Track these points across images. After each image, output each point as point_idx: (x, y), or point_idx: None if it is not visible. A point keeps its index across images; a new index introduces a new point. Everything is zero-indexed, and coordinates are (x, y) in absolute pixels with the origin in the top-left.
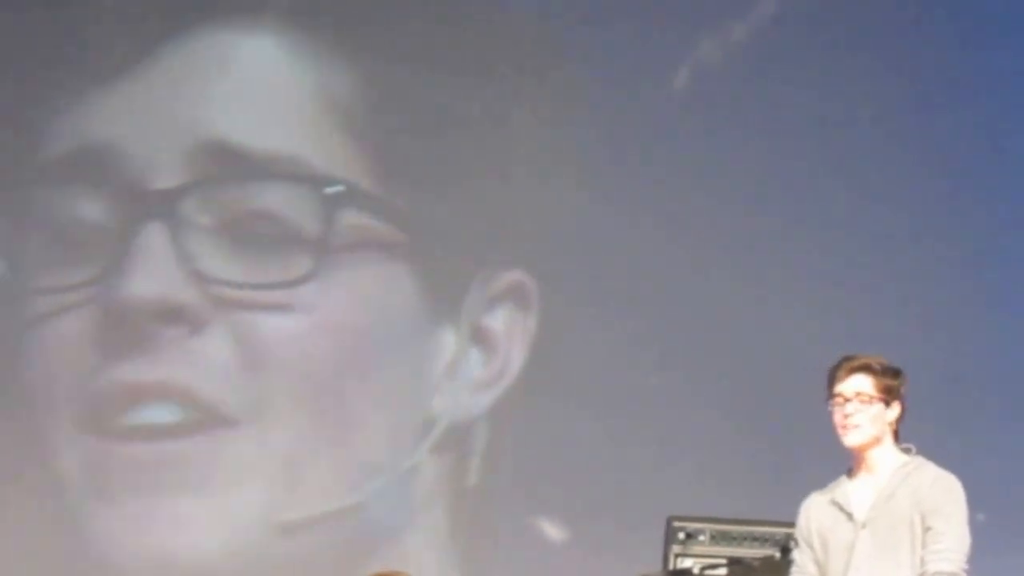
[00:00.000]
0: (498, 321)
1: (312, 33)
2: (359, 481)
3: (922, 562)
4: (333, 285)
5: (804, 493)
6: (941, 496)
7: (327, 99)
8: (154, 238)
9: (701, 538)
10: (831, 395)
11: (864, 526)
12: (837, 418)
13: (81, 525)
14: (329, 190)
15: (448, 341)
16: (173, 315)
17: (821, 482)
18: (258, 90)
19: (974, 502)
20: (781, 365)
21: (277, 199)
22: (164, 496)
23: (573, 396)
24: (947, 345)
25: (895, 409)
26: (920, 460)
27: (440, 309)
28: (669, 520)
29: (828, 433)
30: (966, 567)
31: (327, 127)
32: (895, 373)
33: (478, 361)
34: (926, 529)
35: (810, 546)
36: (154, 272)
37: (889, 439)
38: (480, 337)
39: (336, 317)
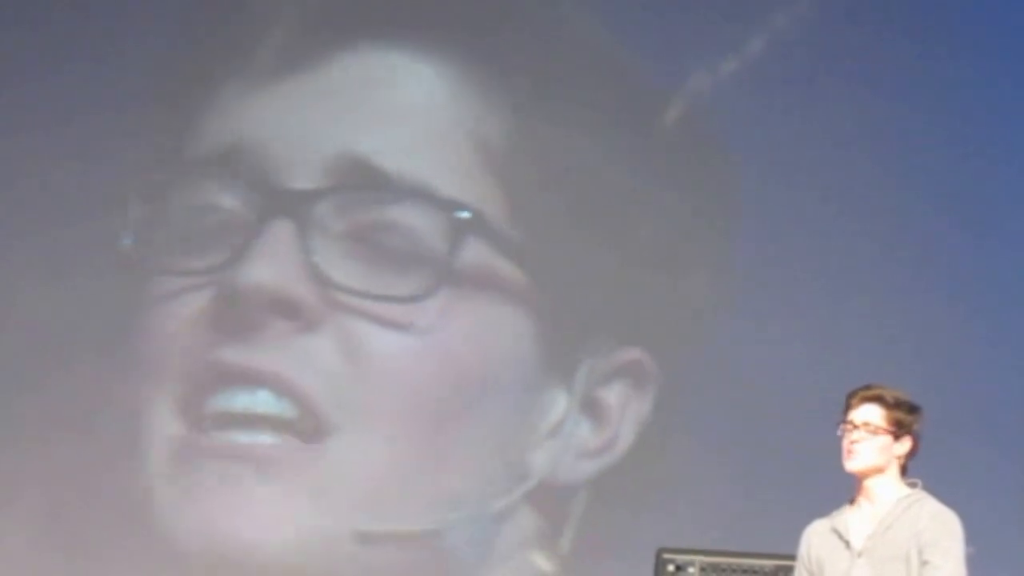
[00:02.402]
0: (613, 394)
1: (476, 72)
2: (442, 510)
3: None
4: (452, 310)
5: (794, 525)
6: (940, 530)
7: (477, 137)
8: (282, 233)
9: (691, 570)
10: (843, 421)
11: (861, 555)
12: (844, 443)
13: (160, 502)
14: (460, 214)
15: (558, 400)
16: (288, 308)
17: (811, 515)
18: (409, 114)
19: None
20: (773, 399)
21: (408, 216)
22: (248, 484)
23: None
24: (942, 377)
25: (904, 444)
26: (922, 494)
27: (554, 365)
28: (659, 552)
29: (818, 467)
30: None
31: (471, 163)
32: (910, 408)
33: (587, 429)
34: (923, 563)
35: (810, 573)
36: (276, 264)
37: (894, 472)
38: (591, 406)
39: (450, 342)
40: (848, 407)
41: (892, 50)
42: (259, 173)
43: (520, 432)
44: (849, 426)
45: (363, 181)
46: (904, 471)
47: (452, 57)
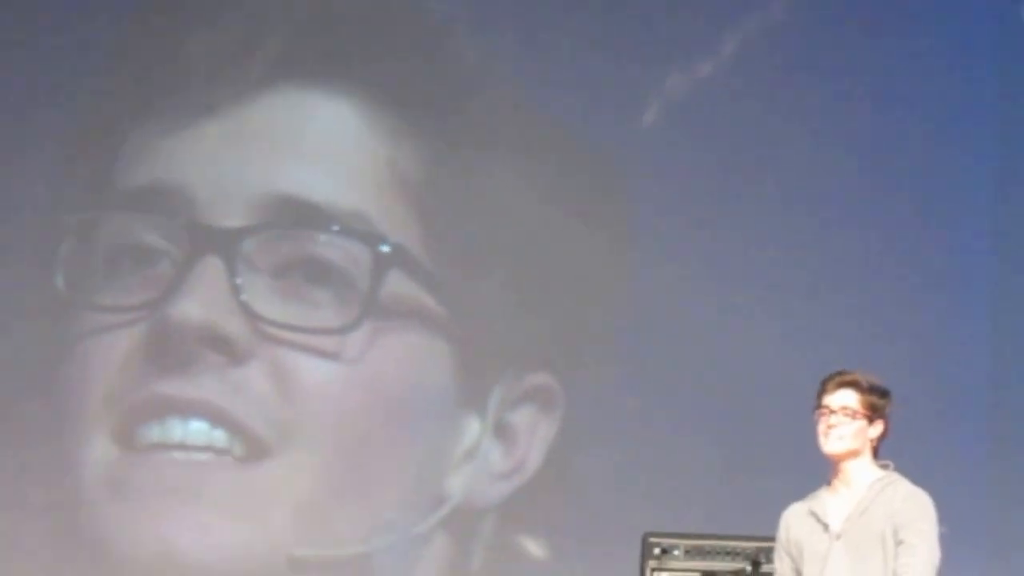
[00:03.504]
0: (521, 418)
1: (393, 107)
2: (369, 534)
3: (893, 574)
4: (376, 342)
5: (776, 509)
6: (913, 511)
7: (395, 172)
8: (211, 271)
9: (676, 553)
10: (818, 405)
11: (838, 537)
12: (821, 427)
13: (94, 528)
14: (382, 248)
15: (472, 425)
16: (220, 343)
17: (792, 498)
18: (330, 150)
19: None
20: (754, 382)
21: (332, 250)
22: (181, 509)
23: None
24: (921, 360)
25: (878, 427)
26: (895, 476)
27: (470, 391)
28: (645, 536)
29: (800, 449)
30: None
31: (391, 197)
32: (882, 393)
33: (499, 452)
34: (898, 543)
35: (789, 555)
36: (206, 301)
37: (868, 454)
38: (502, 430)
39: (376, 372)
40: (823, 392)
41: (858, 51)
42: (186, 211)
43: (439, 457)
44: (826, 410)
45: (287, 217)
46: (876, 453)
47: (369, 93)
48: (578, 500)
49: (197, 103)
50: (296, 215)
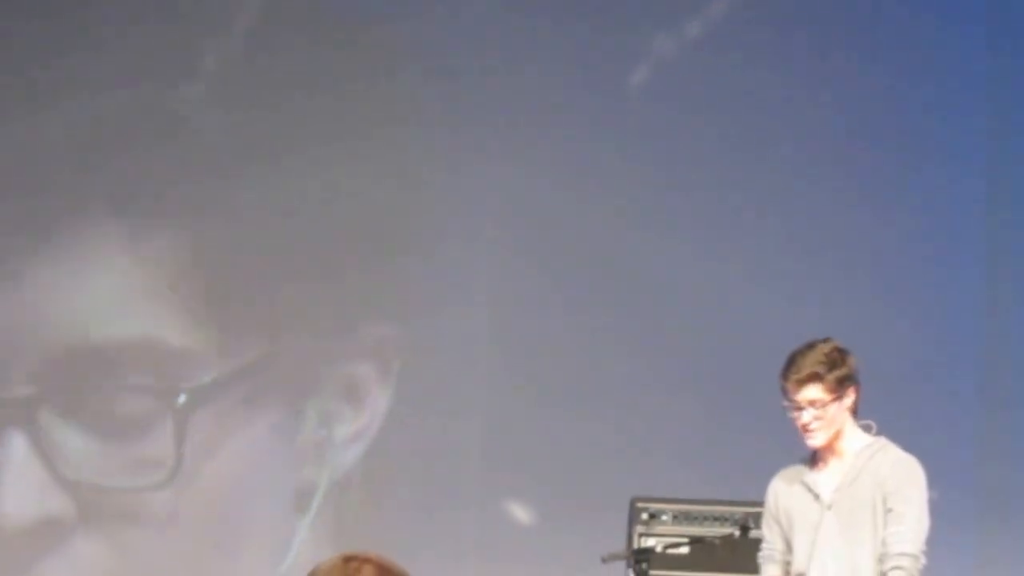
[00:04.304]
0: (365, 376)
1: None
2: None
3: (883, 543)
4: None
5: (764, 473)
6: (902, 478)
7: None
8: (17, 448)
9: (664, 518)
10: (785, 401)
11: (830, 507)
12: (797, 423)
13: None
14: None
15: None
16: (48, 526)
17: (781, 463)
18: (109, 286)
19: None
20: (742, 346)
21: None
22: None
23: (538, 384)
24: (897, 327)
25: (850, 396)
26: (883, 442)
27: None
28: (632, 501)
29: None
30: (924, 548)
31: (170, 309)
32: (841, 361)
33: (348, 415)
34: (887, 510)
35: (778, 523)
36: (21, 485)
37: (850, 423)
38: (347, 392)
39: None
40: (785, 390)
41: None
42: None
43: (295, 458)
44: (796, 408)
45: (83, 368)
46: (855, 414)
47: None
48: (564, 465)
49: None
50: (90, 362)
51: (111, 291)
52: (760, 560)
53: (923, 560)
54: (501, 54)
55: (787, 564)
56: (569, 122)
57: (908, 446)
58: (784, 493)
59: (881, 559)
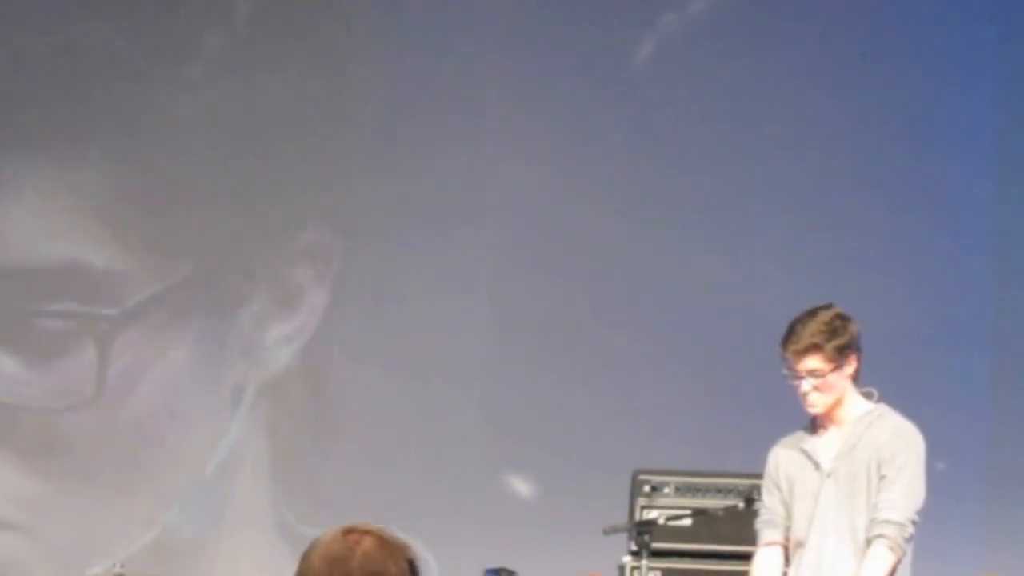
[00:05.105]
0: (299, 277)
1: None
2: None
3: (873, 508)
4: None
5: (767, 445)
6: (898, 445)
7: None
8: None
9: (666, 490)
10: (786, 370)
11: (829, 475)
12: (799, 392)
13: None
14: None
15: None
16: None
17: (783, 434)
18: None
19: (935, 451)
20: (743, 319)
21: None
22: None
23: (540, 357)
24: (908, 299)
25: (851, 364)
26: (883, 409)
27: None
28: (634, 474)
29: (790, 387)
30: (916, 517)
31: (96, 230)
32: (842, 330)
33: (281, 315)
34: (881, 477)
35: (779, 488)
36: None
37: (850, 390)
38: (280, 293)
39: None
40: (784, 360)
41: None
42: None
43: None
44: (795, 377)
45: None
46: (856, 381)
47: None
48: (566, 437)
49: None
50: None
51: (35, 215)
52: (759, 525)
53: (910, 528)
54: (502, 40)
55: (787, 529)
56: (569, 100)
57: (921, 421)
58: (785, 460)
59: (868, 525)
